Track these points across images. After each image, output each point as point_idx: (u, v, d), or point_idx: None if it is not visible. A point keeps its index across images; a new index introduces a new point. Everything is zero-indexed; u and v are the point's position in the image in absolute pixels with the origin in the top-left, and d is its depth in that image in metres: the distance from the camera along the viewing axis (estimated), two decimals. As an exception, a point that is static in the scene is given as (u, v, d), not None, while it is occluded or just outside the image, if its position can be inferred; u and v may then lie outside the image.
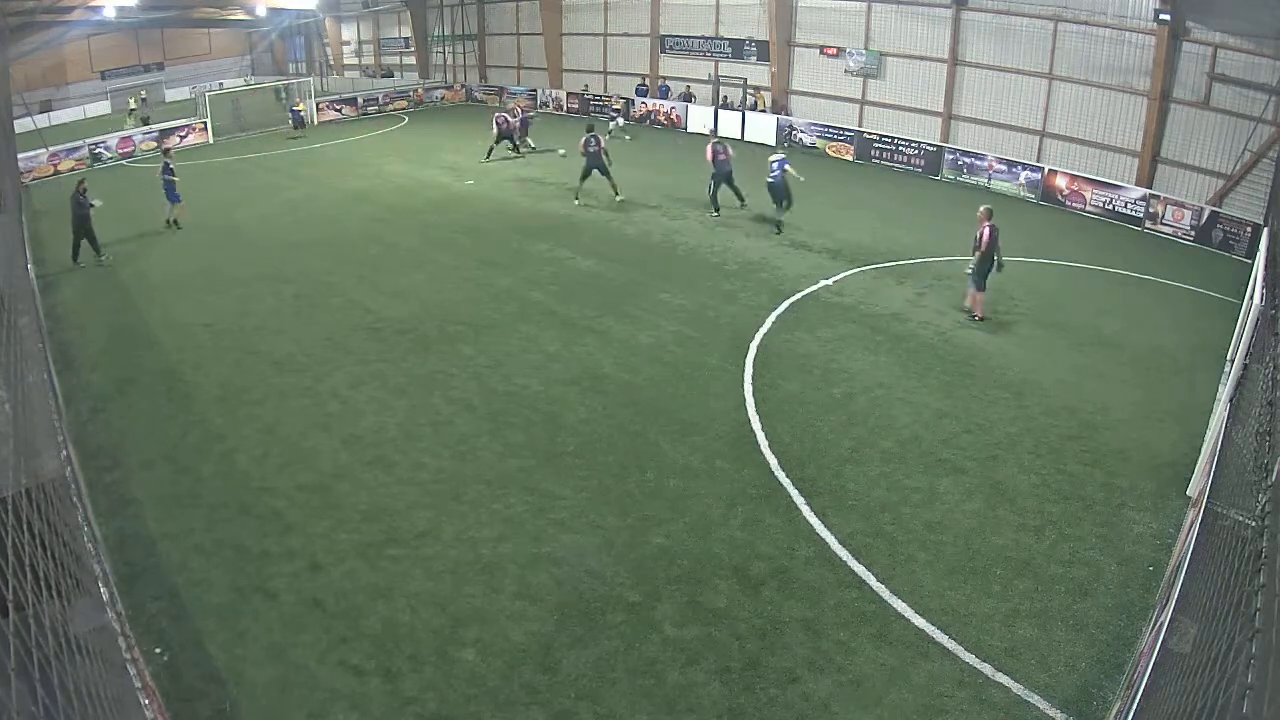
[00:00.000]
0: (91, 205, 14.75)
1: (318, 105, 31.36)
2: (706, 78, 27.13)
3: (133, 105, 33.41)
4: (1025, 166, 19.18)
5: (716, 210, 16.86)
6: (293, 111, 29.39)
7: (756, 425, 8.78)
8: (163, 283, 13.63)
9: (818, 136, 23.77)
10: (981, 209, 11.08)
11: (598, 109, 30.93)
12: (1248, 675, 2.21)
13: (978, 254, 10.99)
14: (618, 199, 17.66)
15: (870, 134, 22.63)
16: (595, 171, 17.58)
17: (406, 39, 41.64)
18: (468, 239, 15.78)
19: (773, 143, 24.85)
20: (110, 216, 18.15)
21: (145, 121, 28.99)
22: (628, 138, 25.36)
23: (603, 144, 17.58)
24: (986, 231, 10.81)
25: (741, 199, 16.97)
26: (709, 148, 16.75)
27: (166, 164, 16.80)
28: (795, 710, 5.31)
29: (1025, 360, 10.34)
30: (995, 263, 10.97)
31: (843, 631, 5.94)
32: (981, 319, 11.29)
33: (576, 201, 17.82)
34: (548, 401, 9.33)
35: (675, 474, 7.92)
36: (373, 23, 45.06)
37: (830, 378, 9.84)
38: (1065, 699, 5.35)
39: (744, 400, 9.33)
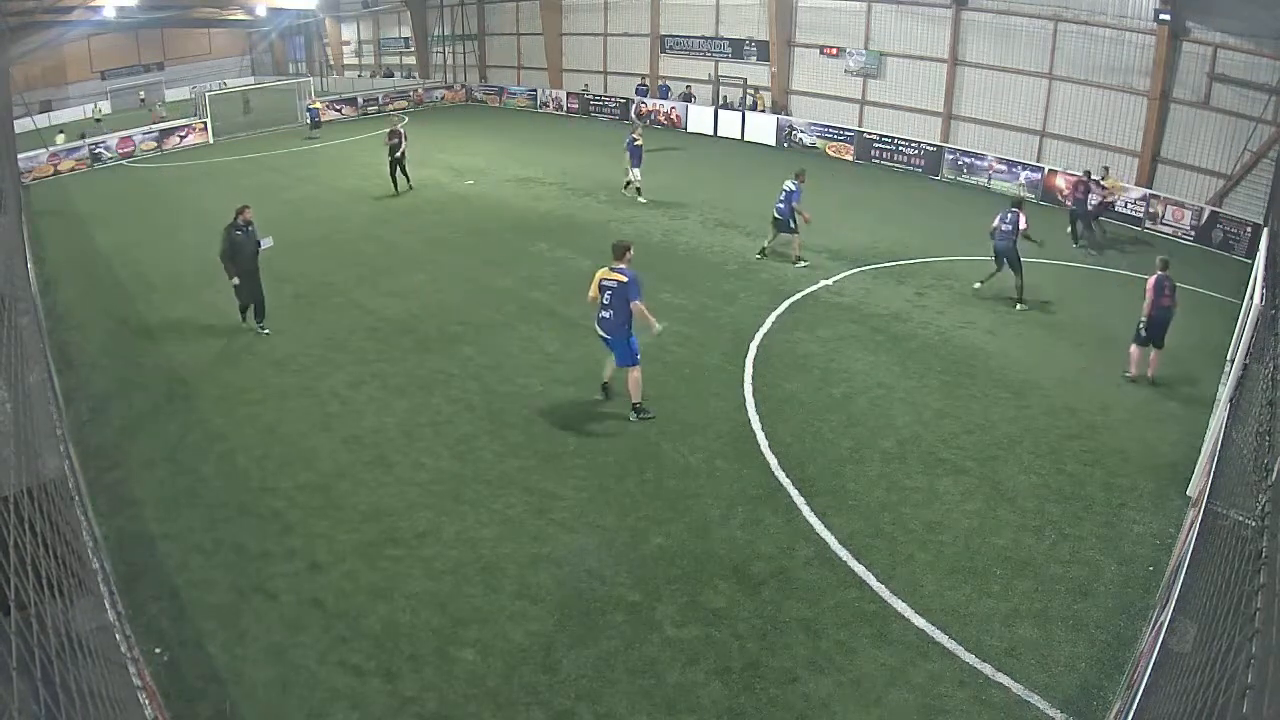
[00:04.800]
0: (259, 244, 11.00)
1: (320, 105, 31.36)
2: (706, 78, 27.16)
3: (97, 116, 32.93)
4: (1025, 166, 19.20)
5: (1022, 299, 12.23)
6: (310, 111, 29.34)
7: (756, 425, 8.78)
8: (163, 283, 13.63)
9: (818, 136, 23.78)
10: (1159, 259, 9.71)
11: (596, 108, 30.95)
12: (1248, 675, 2.21)
13: (1145, 311, 9.48)
14: (1015, 301, 12.32)
15: (870, 134, 22.65)
16: (1006, 264, 12.22)
17: (406, 39, 41.66)
18: (467, 239, 15.79)
19: (772, 142, 24.89)
20: (114, 218, 18.22)
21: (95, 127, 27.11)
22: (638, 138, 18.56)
23: (1023, 224, 11.92)
24: (1150, 284, 9.42)
25: (1020, 294, 12.26)
26: (998, 215, 12.24)
27: None
28: (795, 710, 5.31)
29: (1025, 360, 10.35)
30: (1148, 321, 9.48)
31: (843, 631, 5.94)
32: (1132, 378, 9.81)
33: (1023, 306, 12.21)
34: (548, 401, 9.33)
35: (675, 474, 7.92)
36: (373, 23, 45.08)
37: (830, 378, 9.84)
38: (1065, 699, 5.35)
39: (744, 400, 9.33)
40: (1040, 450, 8.32)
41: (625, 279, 8.33)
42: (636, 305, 8.33)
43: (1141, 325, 9.62)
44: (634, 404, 8.86)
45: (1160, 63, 16.72)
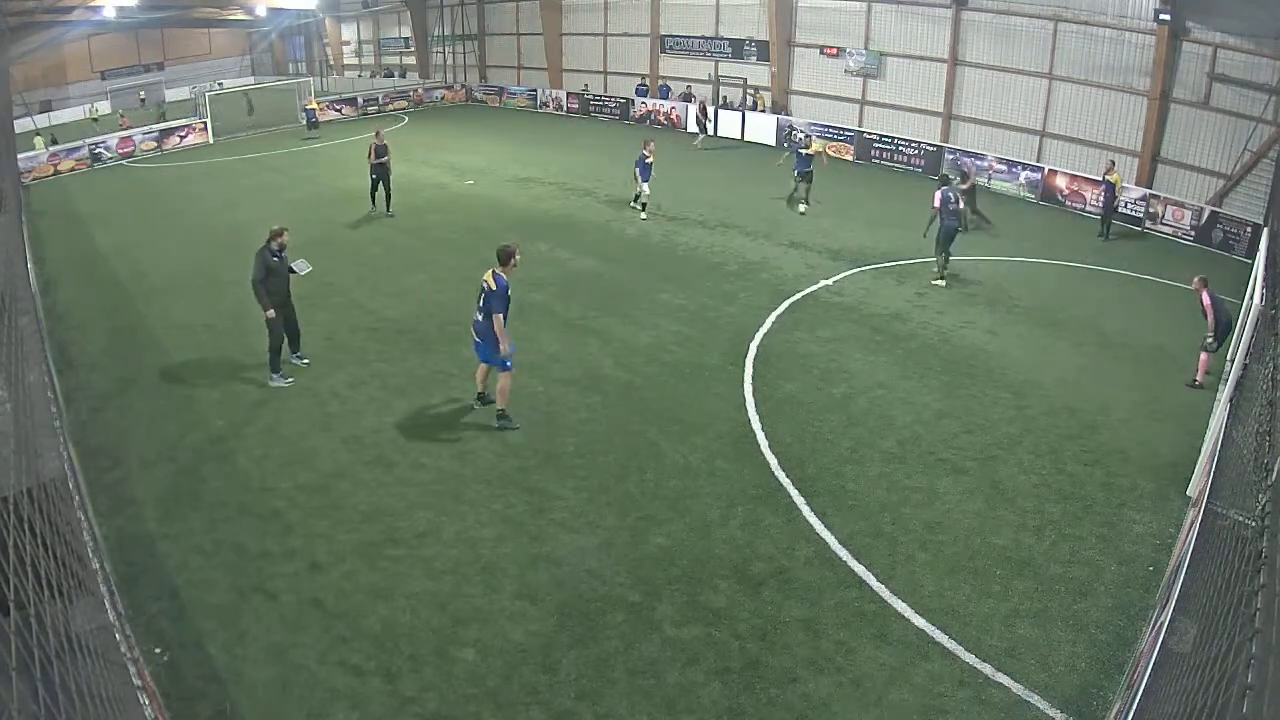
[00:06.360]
0: (292, 270, 9.78)
1: (317, 105, 31.38)
2: (706, 78, 27.17)
3: (94, 117, 32.53)
4: (1025, 166, 19.20)
5: (942, 276, 12.93)
6: (306, 111, 29.32)
7: (756, 425, 8.77)
8: (163, 283, 13.62)
9: (818, 136, 23.75)
10: (1196, 279, 9.77)
11: (596, 108, 30.91)
12: (1248, 675, 2.21)
13: (1211, 325, 9.57)
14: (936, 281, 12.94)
15: (870, 134, 22.65)
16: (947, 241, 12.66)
17: (407, 39, 41.70)
18: (467, 239, 15.78)
19: (772, 142, 24.84)
20: (114, 218, 18.21)
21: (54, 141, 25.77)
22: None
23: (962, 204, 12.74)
24: (1207, 300, 9.56)
25: (945, 261, 12.83)
26: (937, 194, 12.67)
27: None
28: (795, 710, 5.30)
29: (1025, 360, 10.35)
30: (1231, 329, 9.40)
31: (843, 631, 5.94)
32: (1199, 385, 9.70)
33: (941, 283, 12.87)
34: (548, 401, 9.32)
35: (675, 474, 7.92)
36: (373, 23, 45.12)
37: (830, 378, 9.84)
38: (1065, 699, 5.35)
39: (744, 400, 9.33)
40: (1040, 450, 8.32)
41: (495, 288, 8.11)
42: (496, 318, 8.13)
43: (1207, 339, 9.61)
44: (499, 410, 8.68)
45: (1160, 63, 16.72)
